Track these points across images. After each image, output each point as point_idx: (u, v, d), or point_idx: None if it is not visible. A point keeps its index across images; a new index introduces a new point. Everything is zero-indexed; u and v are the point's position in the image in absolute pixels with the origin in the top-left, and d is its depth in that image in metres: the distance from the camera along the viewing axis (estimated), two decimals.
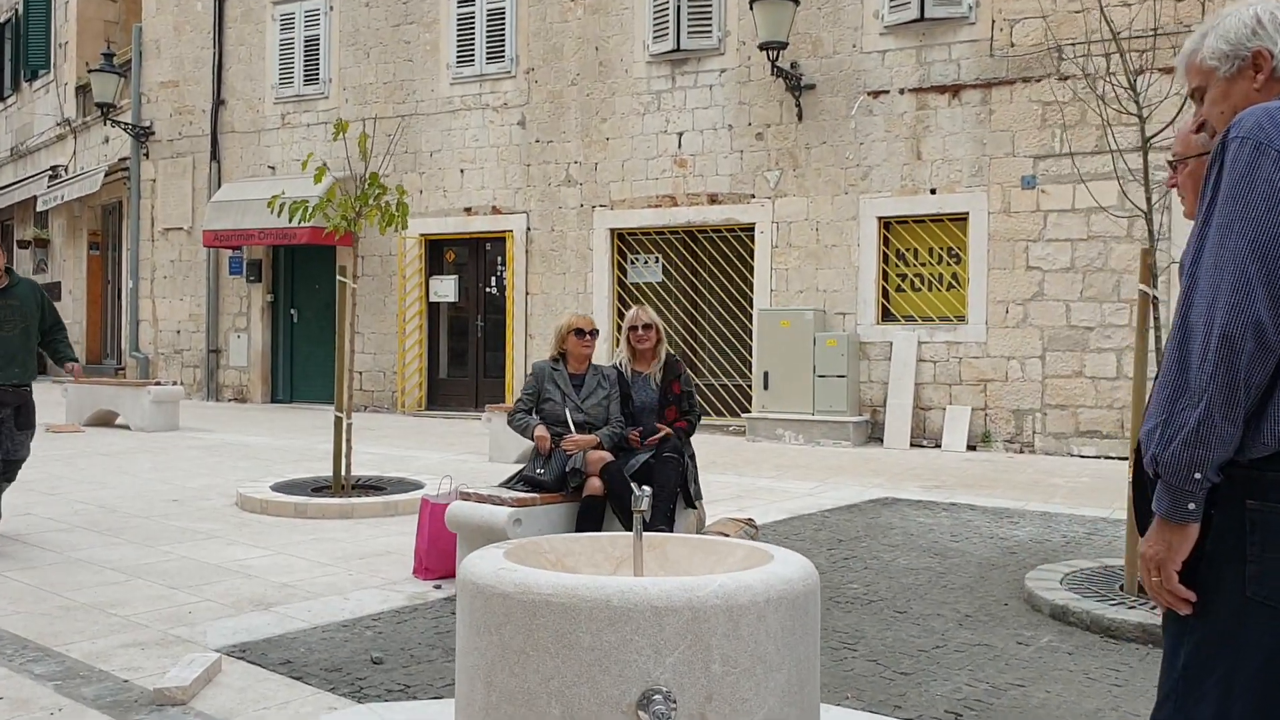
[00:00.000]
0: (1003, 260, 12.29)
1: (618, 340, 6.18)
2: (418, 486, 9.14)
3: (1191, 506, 1.94)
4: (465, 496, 5.92)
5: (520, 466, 6.29)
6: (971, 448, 12.24)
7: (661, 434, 6.26)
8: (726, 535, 6.72)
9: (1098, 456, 11.72)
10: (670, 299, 14.67)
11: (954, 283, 12.76)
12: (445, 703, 4.18)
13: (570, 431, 6.06)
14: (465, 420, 15.76)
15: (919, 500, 9.06)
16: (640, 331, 6.36)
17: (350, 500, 8.39)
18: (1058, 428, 11.98)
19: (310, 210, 8.60)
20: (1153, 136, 5.72)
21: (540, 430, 6.04)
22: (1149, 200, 5.76)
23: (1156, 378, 2.06)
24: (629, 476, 5.98)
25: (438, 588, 6.11)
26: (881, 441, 12.69)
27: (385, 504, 8.41)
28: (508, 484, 6.15)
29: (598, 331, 6.39)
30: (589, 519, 5.84)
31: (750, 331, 13.81)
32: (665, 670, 2.38)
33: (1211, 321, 1.92)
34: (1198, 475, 1.91)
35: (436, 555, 6.27)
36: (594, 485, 5.88)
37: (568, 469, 5.94)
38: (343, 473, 8.69)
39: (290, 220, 8.63)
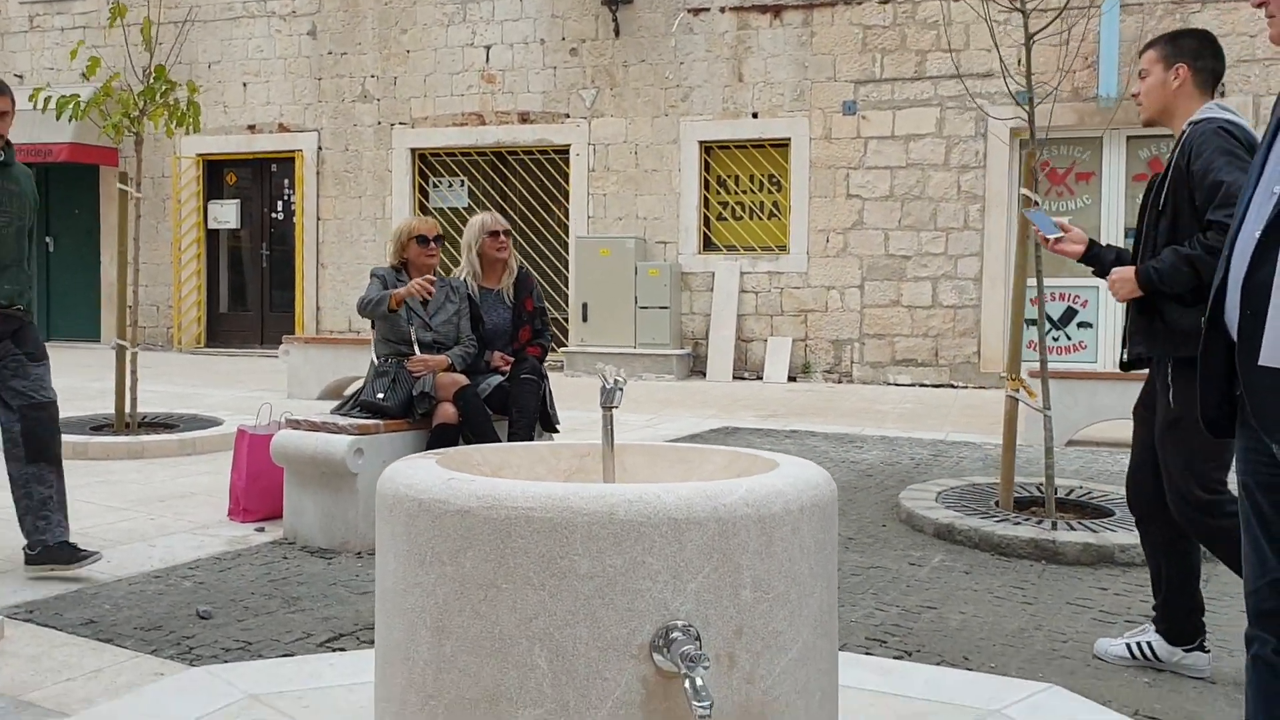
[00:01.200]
0: (823, 188, 12.14)
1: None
2: (215, 423, 8.16)
3: None
4: (294, 425, 5.12)
5: (356, 391, 5.52)
6: (792, 379, 12.11)
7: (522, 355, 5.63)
8: None
9: (913, 384, 11.80)
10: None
11: (775, 211, 12.53)
12: (321, 660, 3.47)
13: (415, 352, 5.33)
14: (251, 358, 14.54)
15: (758, 429, 8.77)
16: (500, 239, 5.67)
17: (140, 438, 7.36)
18: (875, 357, 11.99)
19: (83, 106, 7.40)
20: (1036, 33, 5.46)
21: (398, 291, 5.19)
22: (1032, 100, 5.51)
23: None
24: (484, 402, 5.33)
25: (260, 530, 5.31)
26: (704, 375, 12.40)
27: (180, 442, 7.42)
28: (342, 410, 5.38)
29: (442, 238, 5.66)
30: (445, 446, 5.17)
31: (566, 261, 13.21)
32: (686, 600, 1.82)
33: None
34: None
35: (257, 494, 5.45)
36: (447, 412, 5.19)
37: (415, 393, 5.22)
38: (127, 409, 7.63)
39: (58, 117, 7.40)
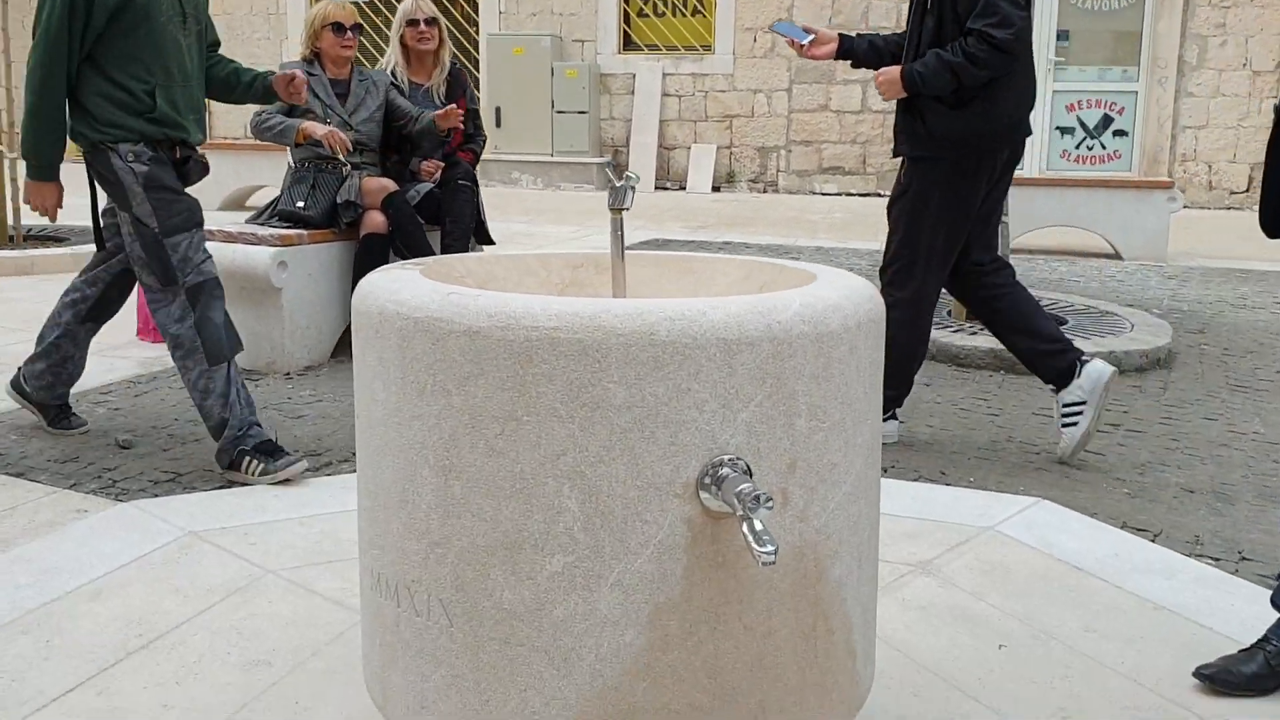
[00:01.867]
0: None
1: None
2: None
3: None
4: (208, 237, 4.67)
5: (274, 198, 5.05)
6: (716, 189, 11.78)
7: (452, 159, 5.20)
8: None
9: (839, 194, 11.58)
10: (378, 17, 12.97)
11: (700, 7, 11.92)
12: (264, 492, 3.18)
13: (341, 162, 4.83)
14: None
15: (690, 240, 8.50)
16: (422, 28, 5.13)
17: (28, 253, 6.80)
18: (801, 165, 11.70)
19: None
20: None
21: (308, 126, 4.67)
22: None
23: None
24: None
25: None
26: None
27: (74, 257, 6.88)
28: (259, 220, 4.94)
29: (360, 26, 5.11)
30: (370, 262, 4.77)
31: (477, 61, 12.48)
32: (737, 432, 1.57)
33: None
34: None
35: None
36: (375, 221, 4.78)
37: (339, 200, 4.79)
38: (9, 221, 7.03)
39: None
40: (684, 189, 11.78)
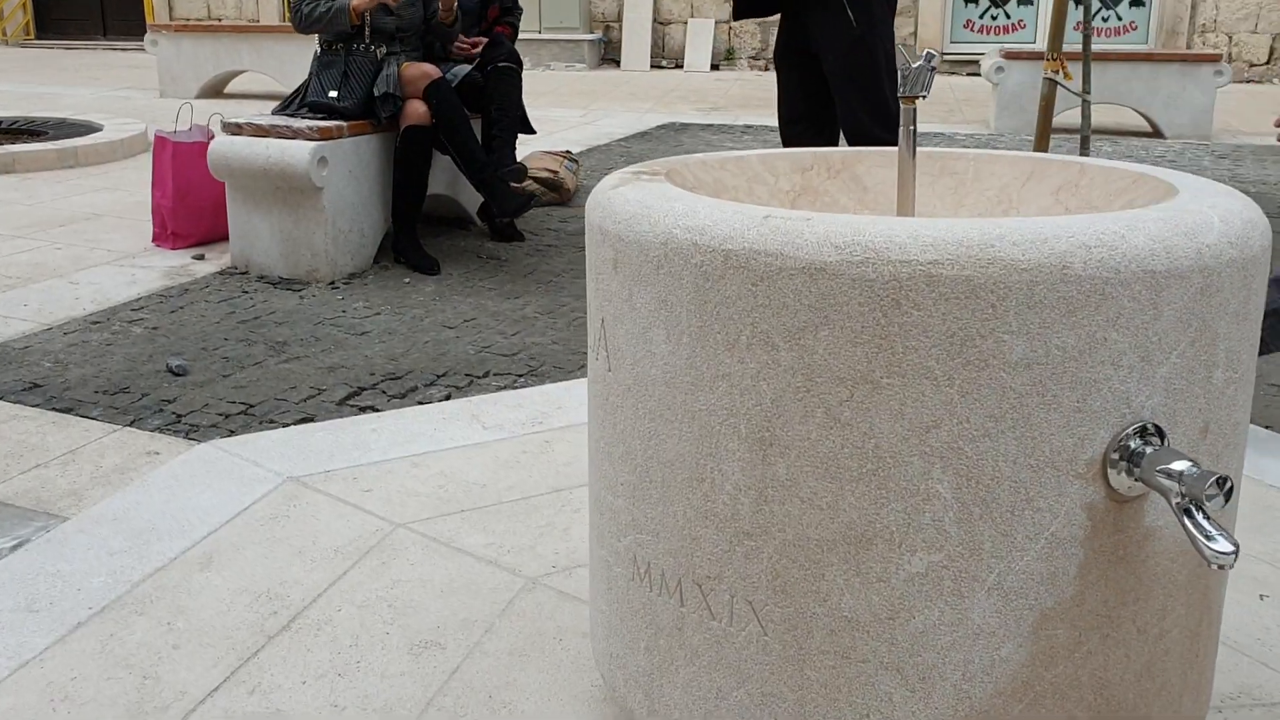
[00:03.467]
0: None
1: None
2: (93, 128, 6.99)
3: None
4: (234, 130, 4.18)
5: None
6: (715, 67, 11.22)
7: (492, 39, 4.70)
8: (554, 172, 5.42)
9: None
10: None
11: None
12: (358, 424, 2.79)
13: (366, 38, 4.32)
14: (97, 51, 12.80)
15: (710, 124, 8.02)
16: None
17: (9, 149, 6.21)
18: None
19: None
20: None
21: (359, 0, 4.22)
22: None
23: None
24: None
25: (200, 258, 4.48)
26: (618, 63, 11.38)
27: (59, 153, 6.31)
28: (285, 111, 4.43)
29: None
30: (413, 159, 4.31)
31: None
32: (1155, 391, 1.22)
33: None
34: None
35: (188, 215, 4.57)
36: (417, 111, 4.29)
37: (377, 92, 4.29)
38: None
39: None
40: (681, 67, 11.22)
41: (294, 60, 8.50)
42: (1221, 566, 1.15)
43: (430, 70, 4.34)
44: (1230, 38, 10.19)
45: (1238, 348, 1.30)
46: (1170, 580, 1.32)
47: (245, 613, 2.00)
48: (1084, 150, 4.97)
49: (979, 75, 9.20)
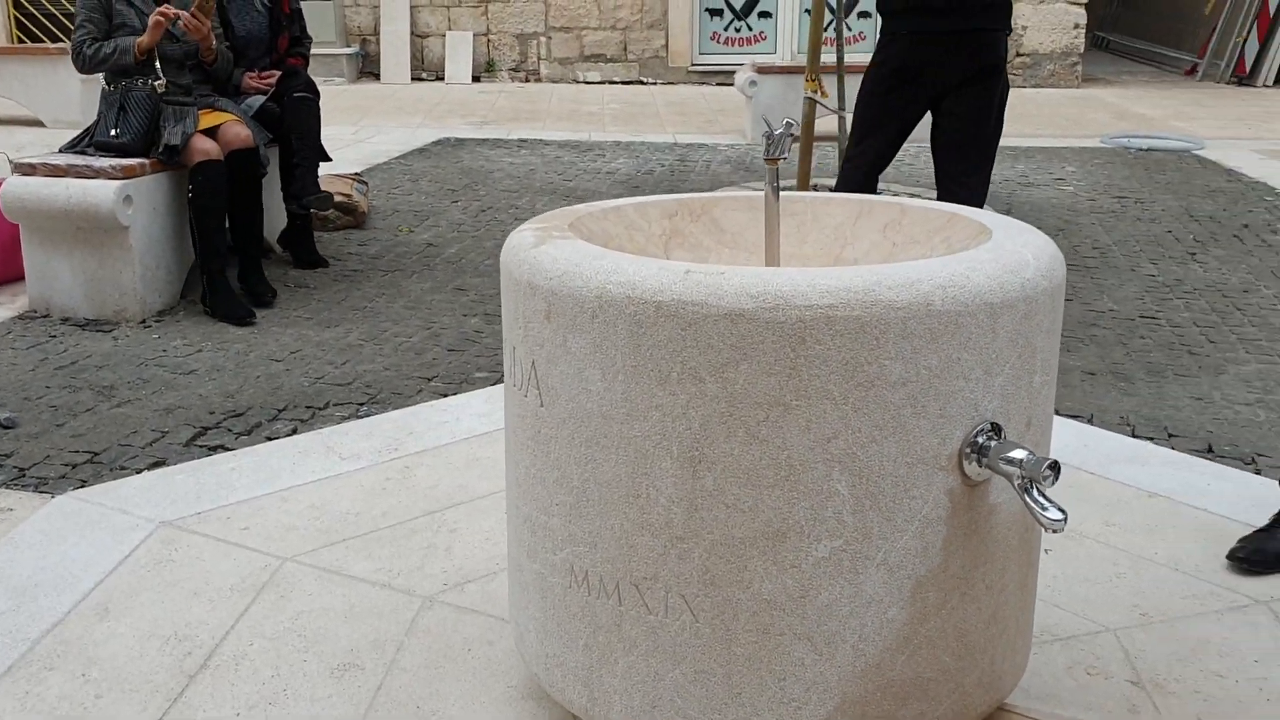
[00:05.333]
0: None
1: None
2: None
3: None
4: (28, 170, 4.05)
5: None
6: (476, 79, 11.36)
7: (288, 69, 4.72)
8: (347, 195, 5.48)
9: (603, 82, 11.45)
10: None
11: None
12: (216, 464, 2.83)
13: (159, 75, 4.25)
14: None
15: (484, 139, 8.18)
16: None
17: None
18: (563, 53, 11.46)
19: None
20: None
21: (155, 17, 4.11)
22: None
23: None
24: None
25: None
26: (378, 77, 11.34)
27: None
28: (76, 149, 4.30)
29: None
30: (209, 197, 4.19)
31: None
32: (994, 396, 1.54)
33: None
34: None
35: None
36: (204, 147, 4.21)
37: (172, 142, 4.15)
38: None
39: None
40: (442, 79, 11.30)
41: (37, 81, 8.10)
42: (1055, 531, 1.48)
43: (245, 137, 4.24)
44: None
45: (1049, 357, 1.64)
46: (1008, 545, 1.65)
47: (159, 656, 2.07)
48: (841, 162, 5.47)
49: (729, 85, 9.75)
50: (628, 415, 1.53)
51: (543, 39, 11.42)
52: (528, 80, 11.46)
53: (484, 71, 11.42)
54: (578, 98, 10.45)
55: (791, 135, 1.77)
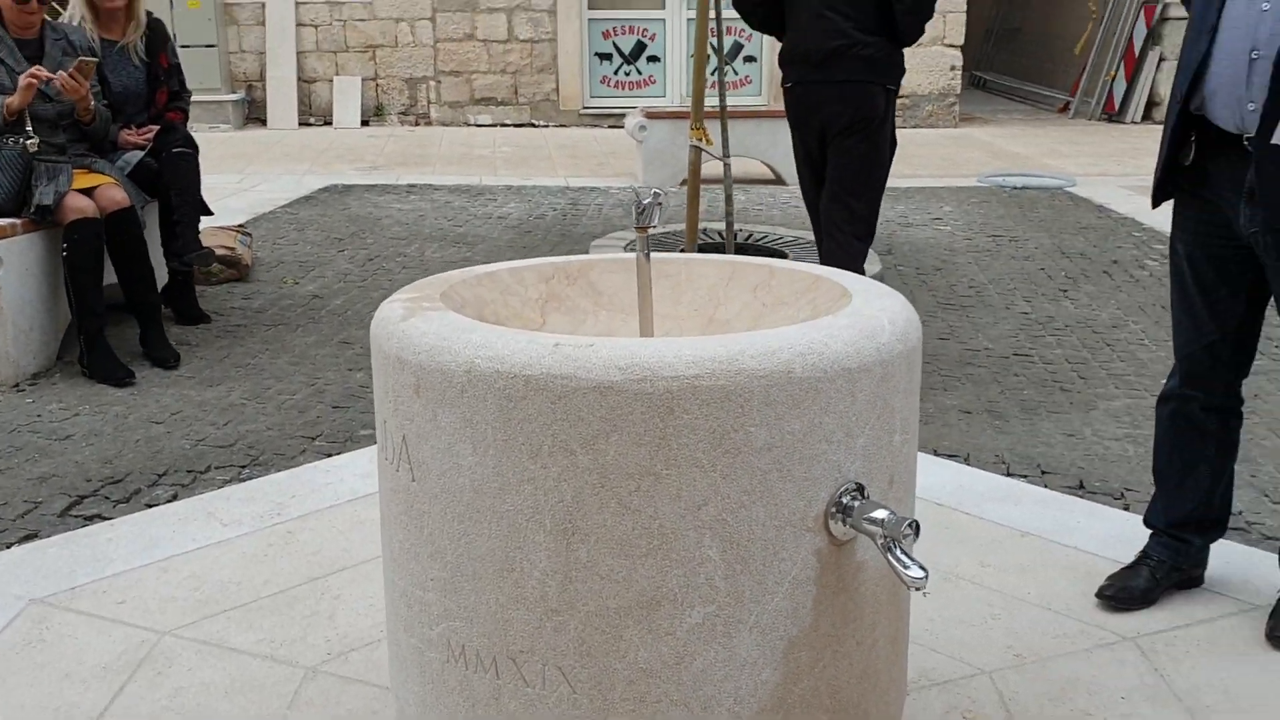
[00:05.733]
0: None
1: None
2: None
3: None
4: None
5: None
6: (365, 123, 11.29)
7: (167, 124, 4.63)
8: (230, 249, 5.40)
9: (494, 125, 11.47)
10: None
11: None
12: (90, 536, 2.73)
13: (28, 128, 4.11)
14: None
15: (373, 185, 8.12)
16: None
17: None
18: (453, 96, 11.45)
19: None
20: None
21: (25, 79, 3.99)
22: None
23: None
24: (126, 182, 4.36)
25: None
26: (265, 123, 11.19)
27: None
28: None
29: None
30: (84, 253, 4.06)
31: None
32: (856, 458, 1.59)
33: None
34: None
35: None
36: (78, 205, 4.07)
37: (45, 202, 4.02)
38: None
39: None
40: (330, 124, 11.20)
41: None
42: (918, 589, 1.53)
43: (121, 199, 4.15)
44: None
45: (908, 415, 1.70)
46: (877, 601, 1.70)
47: None
48: (728, 206, 5.57)
49: (620, 128, 9.85)
50: (500, 489, 1.54)
51: (432, 83, 11.40)
52: (418, 124, 11.42)
53: (373, 116, 11.35)
54: (469, 141, 10.45)
55: (659, 204, 1.81)
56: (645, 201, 1.81)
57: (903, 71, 3.97)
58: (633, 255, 2.13)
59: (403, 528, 1.69)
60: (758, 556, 1.54)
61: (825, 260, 4.05)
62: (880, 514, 1.55)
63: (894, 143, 4.03)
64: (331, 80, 11.23)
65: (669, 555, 1.51)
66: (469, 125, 11.42)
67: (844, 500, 1.58)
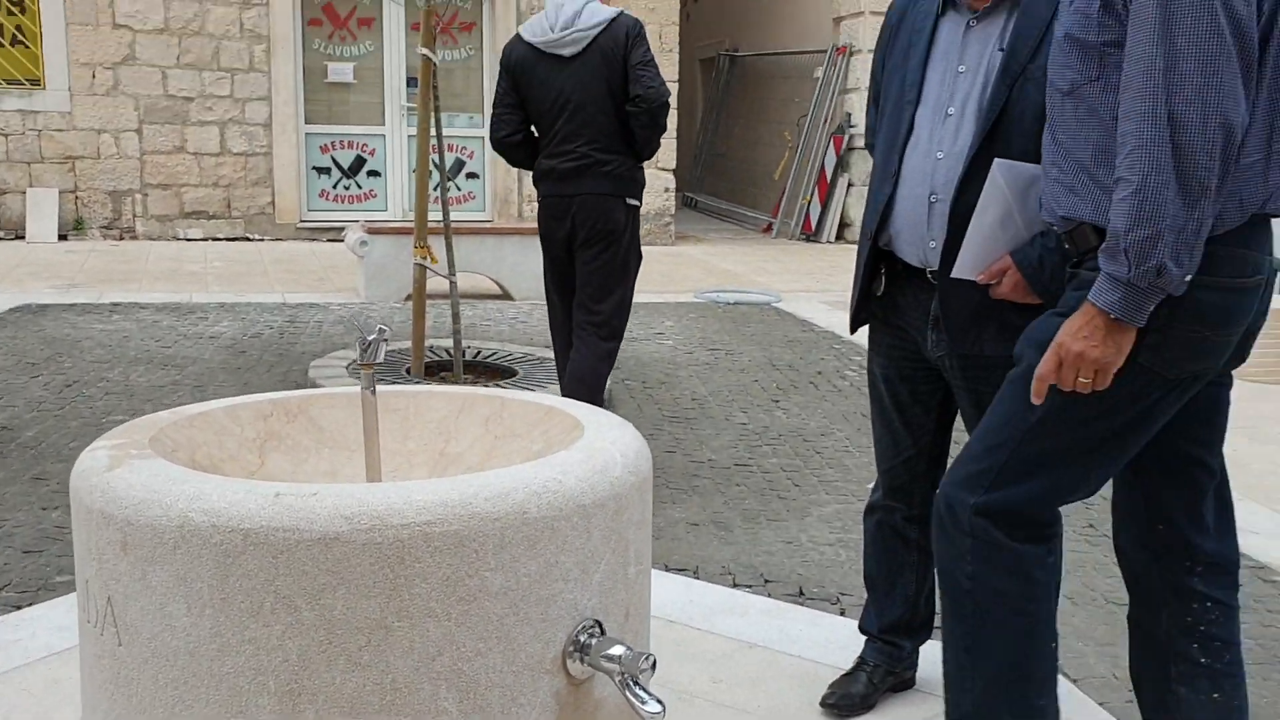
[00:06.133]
0: (83, 14, 10.51)
1: None
2: None
3: (1152, 307, 1.81)
4: None
5: None
6: (64, 237, 10.57)
7: None
8: None
9: (205, 239, 11.01)
10: None
11: (20, 38, 10.58)
12: None
13: None
14: None
15: (71, 304, 7.58)
16: None
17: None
18: (162, 210, 10.93)
19: None
20: None
21: None
22: None
23: (1125, 169, 1.80)
24: None
25: None
26: None
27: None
28: None
29: None
30: None
31: None
32: (592, 594, 1.59)
33: (1206, 112, 1.70)
34: (1188, 279, 1.79)
35: None
36: None
37: None
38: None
39: None
40: (23, 239, 10.42)
41: None
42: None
43: None
44: None
45: (641, 546, 1.73)
46: None
47: None
48: (455, 324, 5.57)
49: (340, 241, 9.70)
50: (219, 651, 1.44)
51: (138, 195, 10.85)
52: (122, 238, 10.81)
53: (72, 230, 10.66)
54: (179, 256, 9.98)
55: (385, 340, 1.78)
56: (370, 338, 1.78)
57: (642, 187, 4.33)
58: (356, 388, 2.08)
59: (108, 696, 1.54)
60: (495, 704, 1.51)
61: (574, 362, 4.32)
62: (617, 650, 1.55)
63: (639, 256, 4.37)
64: (24, 192, 10.49)
65: (403, 711, 1.46)
66: (179, 239, 10.92)
67: (581, 639, 1.58)
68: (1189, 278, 1.77)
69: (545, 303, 4.54)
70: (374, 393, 1.84)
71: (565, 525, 1.54)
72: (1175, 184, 1.71)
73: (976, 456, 2.02)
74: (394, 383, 5.32)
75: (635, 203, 4.27)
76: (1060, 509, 2.06)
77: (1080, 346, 1.81)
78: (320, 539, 1.41)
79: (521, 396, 2.08)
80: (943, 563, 2.07)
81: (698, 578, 3.47)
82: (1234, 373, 2.10)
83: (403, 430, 2.07)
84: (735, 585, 3.43)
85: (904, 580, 2.62)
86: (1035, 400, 1.90)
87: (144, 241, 10.78)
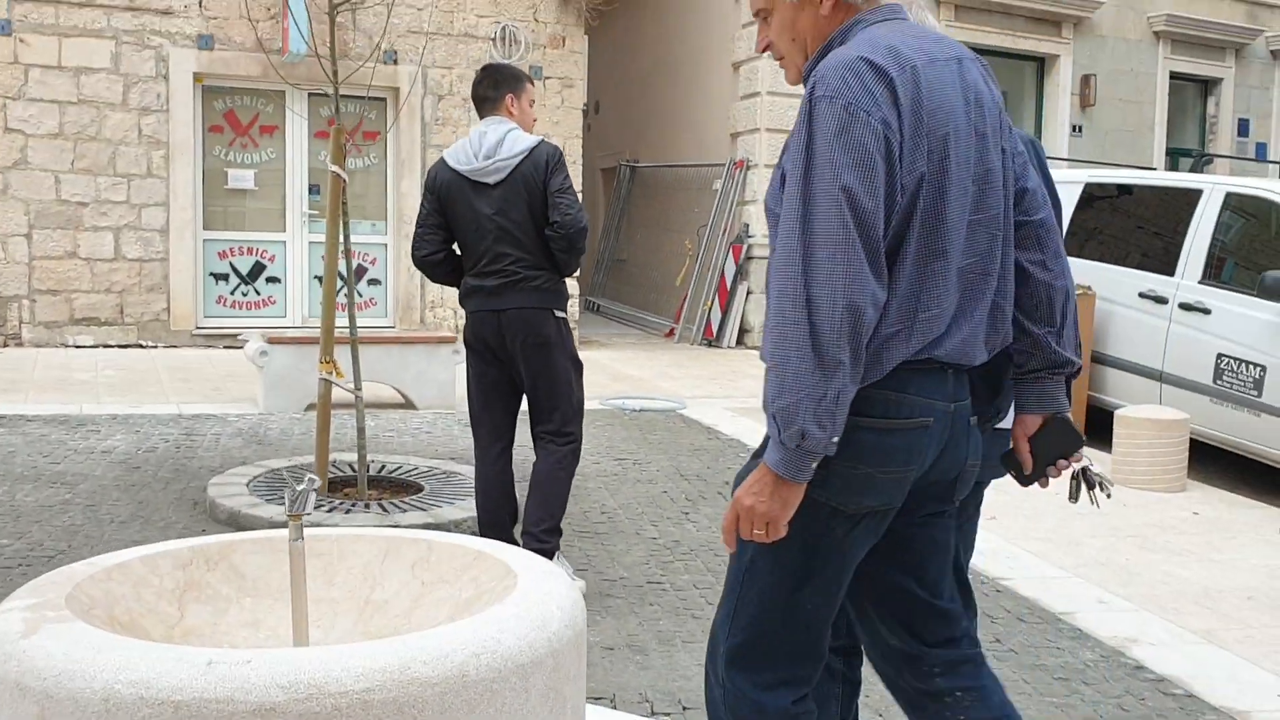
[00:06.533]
0: None
1: None
2: None
3: (814, 465, 1.90)
4: None
5: None
6: None
7: None
8: None
9: (96, 345, 10.72)
10: None
11: None
12: None
13: None
14: None
15: None
16: None
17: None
18: (50, 316, 10.62)
19: None
20: None
21: None
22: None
23: (771, 342, 1.91)
24: None
25: None
26: None
27: None
28: None
29: None
30: None
31: None
32: None
33: (834, 297, 1.85)
34: (834, 440, 1.88)
35: None
36: None
37: None
38: None
39: None
40: None
41: None
42: None
43: None
44: (455, 311, 11.76)
45: (577, 701, 1.71)
46: None
47: None
48: (360, 439, 5.48)
49: (238, 348, 9.52)
50: None
51: (25, 301, 10.54)
52: (6, 344, 10.46)
53: None
54: (68, 364, 9.68)
55: (314, 489, 1.76)
56: (299, 488, 1.75)
57: (567, 299, 4.50)
58: (277, 533, 2.04)
59: None
60: None
61: (538, 468, 4.47)
62: None
63: (579, 363, 4.51)
64: None
65: None
66: (68, 346, 10.61)
67: None
68: (835, 439, 1.88)
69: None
70: (301, 543, 1.80)
71: (504, 687, 1.51)
72: (813, 358, 1.84)
73: (722, 600, 2.14)
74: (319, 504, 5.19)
75: (562, 314, 4.44)
76: (814, 664, 2.14)
77: (750, 501, 1.93)
78: (256, 710, 1.36)
79: (448, 540, 2.06)
80: (708, 709, 2.18)
81: (615, 707, 3.43)
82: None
83: (326, 576, 2.02)
84: (653, 714, 3.39)
85: (828, 713, 2.63)
86: (727, 548, 2.03)
87: (30, 349, 10.44)
